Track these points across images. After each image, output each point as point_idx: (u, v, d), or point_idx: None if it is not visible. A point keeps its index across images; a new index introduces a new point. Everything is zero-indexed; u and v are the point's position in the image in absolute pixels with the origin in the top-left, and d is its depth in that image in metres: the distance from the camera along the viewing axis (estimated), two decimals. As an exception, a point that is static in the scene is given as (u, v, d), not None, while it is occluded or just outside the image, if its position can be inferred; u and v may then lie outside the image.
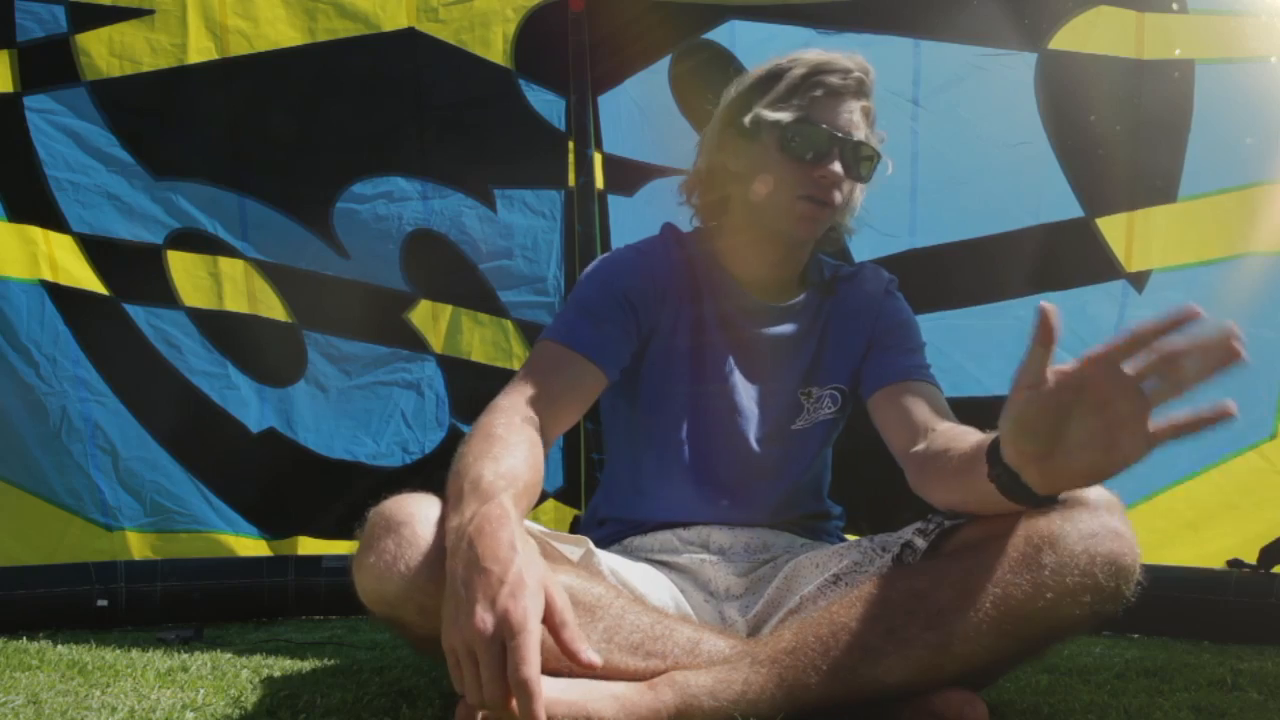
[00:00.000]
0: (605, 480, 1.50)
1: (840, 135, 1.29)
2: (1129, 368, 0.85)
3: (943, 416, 1.26)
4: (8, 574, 2.00)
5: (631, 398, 1.38)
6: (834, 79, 1.30)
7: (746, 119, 1.32)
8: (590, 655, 0.86)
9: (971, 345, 2.02)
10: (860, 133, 1.31)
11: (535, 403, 1.20)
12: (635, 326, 1.33)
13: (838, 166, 1.29)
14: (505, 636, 0.83)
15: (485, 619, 0.84)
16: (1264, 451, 1.89)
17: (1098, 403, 0.87)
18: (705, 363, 1.36)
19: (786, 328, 1.39)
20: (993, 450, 0.98)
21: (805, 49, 1.35)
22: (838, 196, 1.30)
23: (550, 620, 0.87)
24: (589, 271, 1.40)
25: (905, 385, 1.32)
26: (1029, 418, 0.90)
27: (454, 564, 0.90)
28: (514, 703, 0.82)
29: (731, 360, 1.37)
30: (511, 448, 1.08)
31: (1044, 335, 0.87)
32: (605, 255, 1.44)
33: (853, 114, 1.31)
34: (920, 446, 1.21)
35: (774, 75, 1.33)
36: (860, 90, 1.32)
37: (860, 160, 1.31)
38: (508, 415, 1.15)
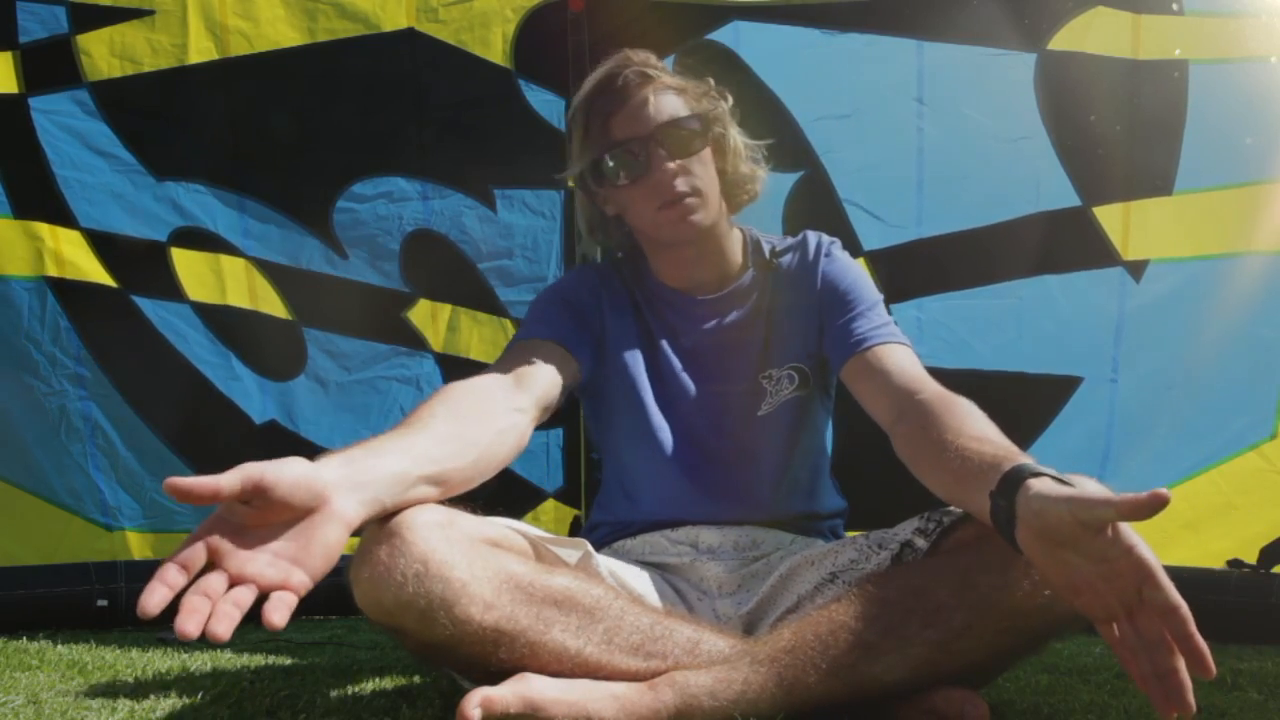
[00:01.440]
0: (601, 486, 1.50)
1: (640, 137, 1.29)
2: (1147, 611, 0.83)
3: (917, 378, 1.24)
4: (8, 574, 2.00)
5: (598, 415, 1.42)
6: (605, 98, 1.32)
7: (579, 179, 1.37)
8: None
9: (974, 322, 2.06)
10: (664, 114, 1.30)
11: (502, 377, 1.22)
12: (587, 325, 1.37)
13: (665, 162, 1.29)
14: None
15: None
16: (1264, 451, 1.89)
17: (1109, 574, 0.84)
18: (659, 372, 1.38)
19: (731, 316, 1.40)
20: (1004, 484, 0.93)
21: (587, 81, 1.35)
22: (683, 184, 1.30)
23: None
24: (532, 302, 1.45)
25: (873, 353, 1.30)
26: (1059, 514, 0.86)
27: None
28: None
29: (682, 362, 1.38)
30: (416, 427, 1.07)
31: (1137, 511, 0.81)
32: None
33: (646, 105, 1.30)
34: (906, 424, 1.18)
35: (571, 127, 1.37)
36: (645, 79, 1.31)
37: (678, 138, 1.30)
38: (444, 392, 1.15)
